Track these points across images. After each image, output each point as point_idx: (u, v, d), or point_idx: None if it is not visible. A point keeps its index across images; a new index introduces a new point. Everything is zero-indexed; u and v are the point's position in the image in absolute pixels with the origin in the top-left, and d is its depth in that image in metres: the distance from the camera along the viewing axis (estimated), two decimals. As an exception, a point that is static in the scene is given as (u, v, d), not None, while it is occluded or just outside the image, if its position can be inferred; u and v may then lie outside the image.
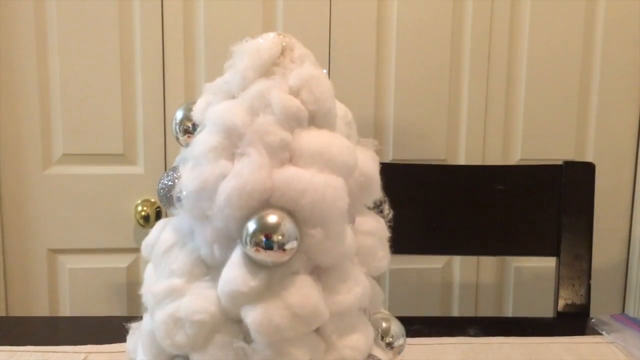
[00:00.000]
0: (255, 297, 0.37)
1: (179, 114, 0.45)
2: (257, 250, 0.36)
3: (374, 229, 0.44)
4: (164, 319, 0.39)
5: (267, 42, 0.42)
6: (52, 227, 1.20)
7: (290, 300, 0.37)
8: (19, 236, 1.20)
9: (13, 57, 1.15)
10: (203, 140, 0.40)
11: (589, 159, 1.24)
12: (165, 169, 1.08)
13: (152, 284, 0.41)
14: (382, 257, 0.45)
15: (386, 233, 0.46)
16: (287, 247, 0.37)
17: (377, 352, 0.44)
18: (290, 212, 0.37)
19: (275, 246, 0.36)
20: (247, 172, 0.37)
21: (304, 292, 0.38)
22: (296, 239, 0.37)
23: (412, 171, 0.96)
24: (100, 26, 1.15)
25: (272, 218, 0.37)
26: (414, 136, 1.23)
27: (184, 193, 0.39)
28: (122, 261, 1.22)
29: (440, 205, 0.95)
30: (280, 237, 0.36)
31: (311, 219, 0.37)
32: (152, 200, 1.20)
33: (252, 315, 0.37)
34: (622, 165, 1.27)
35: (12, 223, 1.20)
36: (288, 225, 0.37)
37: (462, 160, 1.24)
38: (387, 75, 1.21)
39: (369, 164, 0.43)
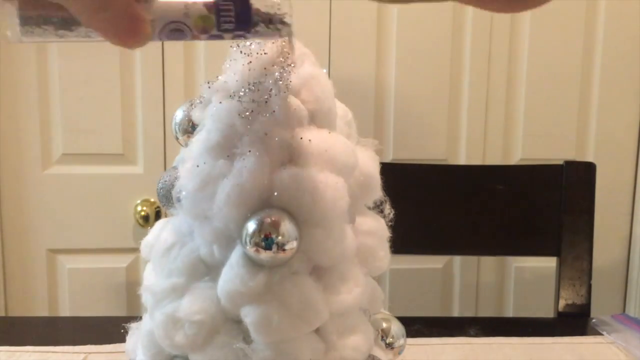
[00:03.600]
0: (255, 297, 0.37)
1: (179, 114, 0.45)
2: (257, 250, 0.36)
3: (374, 229, 0.44)
4: (163, 319, 0.39)
5: (266, 42, 0.42)
6: (52, 227, 1.20)
7: (290, 300, 0.37)
8: (18, 236, 1.20)
9: (13, 57, 1.15)
10: (202, 139, 0.40)
11: (589, 158, 1.24)
12: (165, 169, 1.07)
13: (152, 284, 0.41)
14: (382, 257, 0.44)
15: (386, 233, 0.45)
16: (287, 247, 0.36)
17: (378, 352, 0.44)
18: (290, 212, 0.37)
19: (275, 246, 0.36)
20: (246, 172, 0.37)
21: (304, 292, 0.37)
22: (296, 239, 0.37)
23: (412, 171, 0.96)
24: (100, 26, 1.15)
25: (272, 218, 0.36)
26: (414, 136, 1.22)
27: (184, 193, 0.39)
28: (121, 261, 1.22)
29: (440, 205, 0.95)
30: (280, 237, 0.36)
31: (311, 219, 0.37)
32: (152, 200, 1.20)
33: (252, 316, 0.37)
34: (622, 165, 1.27)
35: (11, 223, 1.20)
36: (288, 225, 0.36)
37: (462, 160, 1.24)
38: (387, 75, 1.21)
39: (369, 163, 0.43)
